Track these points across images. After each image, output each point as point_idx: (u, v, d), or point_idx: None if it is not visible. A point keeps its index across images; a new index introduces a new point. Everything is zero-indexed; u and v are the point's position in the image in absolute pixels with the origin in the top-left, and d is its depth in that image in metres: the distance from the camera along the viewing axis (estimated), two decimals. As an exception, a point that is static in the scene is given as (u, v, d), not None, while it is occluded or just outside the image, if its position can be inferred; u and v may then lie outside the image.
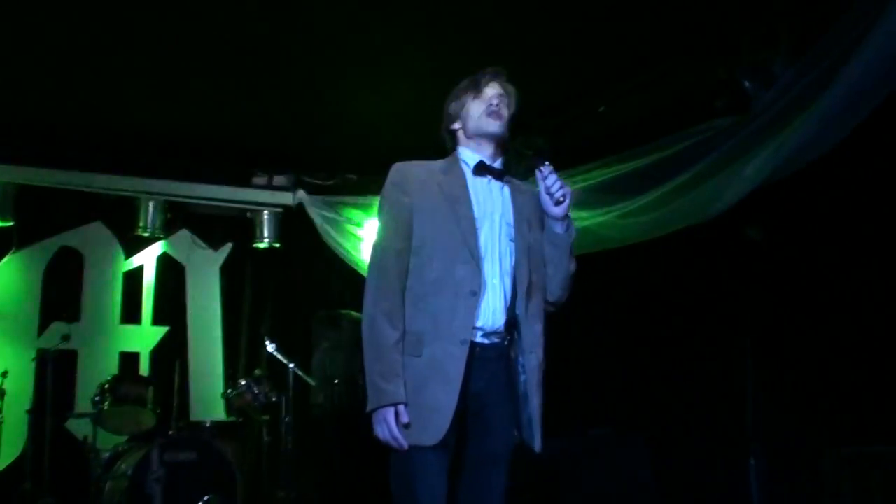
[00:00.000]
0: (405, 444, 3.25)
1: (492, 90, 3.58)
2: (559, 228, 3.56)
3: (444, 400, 3.26)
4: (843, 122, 4.72)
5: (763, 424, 5.79)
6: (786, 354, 5.91)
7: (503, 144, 3.64)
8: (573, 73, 6.45)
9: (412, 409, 3.28)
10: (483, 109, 3.55)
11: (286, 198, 9.23)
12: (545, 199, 3.51)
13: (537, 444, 3.43)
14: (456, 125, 3.66)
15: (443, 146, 3.75)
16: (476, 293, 3.36)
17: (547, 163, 3.51)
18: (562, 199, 3.49)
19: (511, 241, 3.52)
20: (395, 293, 3.39)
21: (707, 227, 5.77)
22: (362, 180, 8.65)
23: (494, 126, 3.54)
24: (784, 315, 5.94)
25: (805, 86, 4.95)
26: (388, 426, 3.26)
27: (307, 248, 8.99)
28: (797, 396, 5.89)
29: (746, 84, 5.38)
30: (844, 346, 5.56)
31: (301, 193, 9.03)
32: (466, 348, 3.32)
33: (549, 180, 3.47)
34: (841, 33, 4.69)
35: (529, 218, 3.61)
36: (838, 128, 4.75)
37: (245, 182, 9.18)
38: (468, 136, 3.63)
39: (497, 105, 3.55)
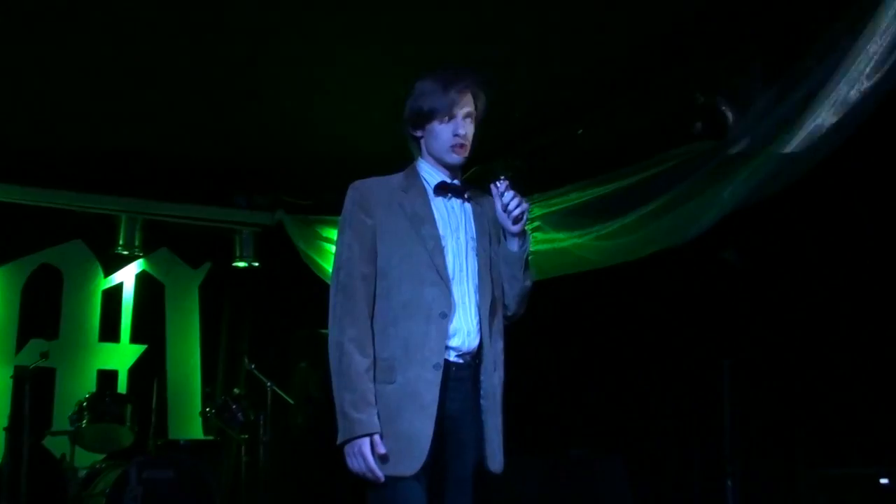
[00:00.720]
0: (382, 477, 3.11)
1: (461, 111, 3.36)
2: (514, 246, 3.43)
3: (420, 427, 3.15)
4: (817, 147, 4.77)
5: (740, 446, 5.81)
6: (762, 376, 5.94)
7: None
8: (552, 97, 6.48)
9: (387, 438, 3.15)
10: (447, 140, 3.38)
11: (265, 217, 9.26)
12: (501, 214, 3.36)
13: (495, 465, 3.34)
14: (419, 133, 3.46)
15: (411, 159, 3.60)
16: (446, 315, 3.25)
17: (503, 178, 3.39)
18: (519, 216, 3.34)
19: (476, 256, 3.41)
20: (364, 319, 3.27)
21: (684, 250, 5.79)
22: (341, 200, 8.65)
23: (456, 159, 3.40)
24: (760, 337, 5.97)
25: (781, 111, 5.00)
26: (363, 458, 3.11)
27: (286, 267, 9.00)
28: (774, 418, 5.92)
29: (723, 109, 5.42)
30: (820, 368, 5.60)
31: (280, 213, 9.06)
32: (440, 372, 3.20)
33: (505, 197, 3.33)
34: (816, 59, 4.74)
35: (490, 231, 3.49)
36: (814, 153, 4.79)
37: (224, 201, 9.19)
38: (430, 154, 3.47)
39: (463, 136, 3.37)
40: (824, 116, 4.69)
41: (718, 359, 5.90)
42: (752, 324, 6.03)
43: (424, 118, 3.41)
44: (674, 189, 5.72)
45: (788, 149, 4.94)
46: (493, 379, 3.37)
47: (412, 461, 3.13)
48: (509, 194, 3.33)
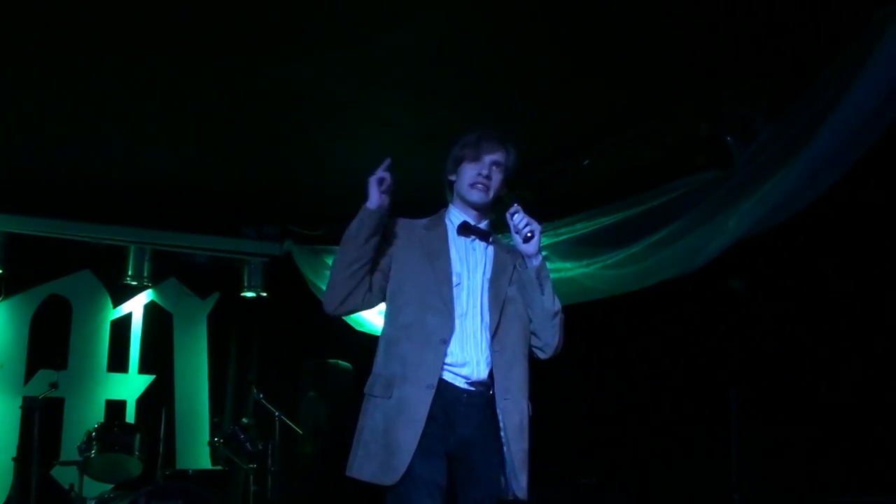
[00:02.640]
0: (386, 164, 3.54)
1: (489, 157, 3.66)
2: (527, 265, 3.61)
3: (404, 439, 3.36)
4: (822, 177, 4.80)
5: (746, 474, 5.82)
6: (769, 404, 5.96)
7: (492, 208, 3.76)
8: (559, 128, 6.51)
9: (379, 448, 3.41)
10: (470, 178, 3.66)
11: (273, 247, 9.27)
12: (516, 238, 3.57)
13: (519, 491, 3.47)
14: (452, 177, 3.77)
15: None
16: (446, 341, 3.48)
17: (515, 204, 3.59)
18: (530, 234, 3.53)
19: (490, 296, 3.61)
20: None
21: (691, 280, 5.82)
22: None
23: (475, 196, 3.66)
24: (767, 365, 6.00)
25: (785, 142, 5.04)
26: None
27: (294, 297, 9.00)
28: (781, 446, 5.93)
29: (728, 139, 5.46)
30: (827, 396, 5.62)
31: (289, 243, 9.08)
32: (432, 392, 3.41)
33: (515, 218, 3.55)
34: (819, 91, 4.78)
35: (510, 273, 3.68)
36: (817, 183, 4.82)
37: (233, 231, 9.22)
38: (458, 195, 3.75)
39: (486, 176, 3.64)
40: (828, 147, 4.73)
41: (725, 387, 5.92)
42: (759, 352, 6.06)
43: (457, 162, 3.74)
44: (680, 219, 5.75)
45: (792, 179, 4.97)
46: (508, 408, 3.52)
47: (392, 472, 3.35)
48: (519, 215, 3.55)
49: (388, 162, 3.56)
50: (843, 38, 4.63)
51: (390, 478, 3.34)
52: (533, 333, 3.70)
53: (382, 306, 3.71)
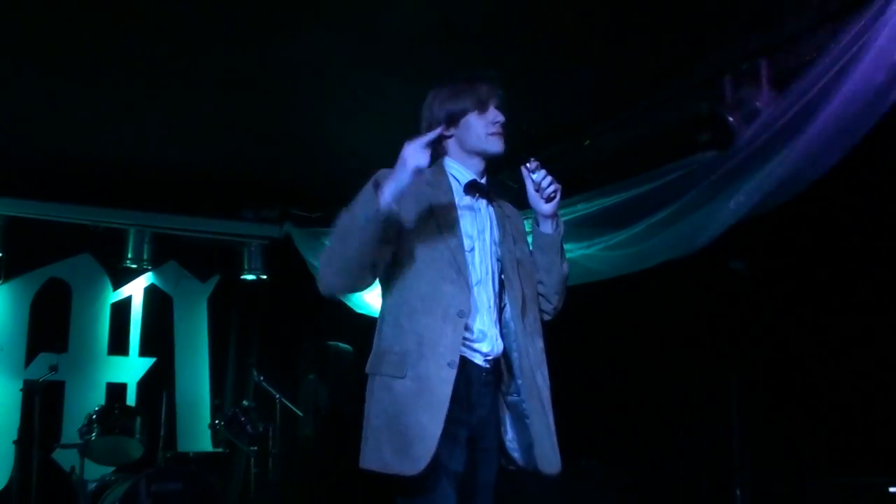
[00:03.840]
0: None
1: (493, 101, 3.39)
2: (548, 228, 3.43)
3: (427, 425, 3.02)
4: (824, 157, 4.78)
5: (749, 455, 5.81)
6: (771, 385, 5.95)
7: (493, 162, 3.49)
8: (558, 108, 6.50)
9: (392, 435, 3.06)
10: (485, 128, 3.36)
11: (273, 230, 9.29)
12: (534, 196, 3.37)
13: (549, 467, 3.28)
14: (449, 132, 3.39)
15: None
16: (464, 314, 3.16)
17: (533, 159, 3.35)
18: (553, 195, 3.34)
19: (498, 260, 3.36)
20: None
21: (692, 261, 5.80)
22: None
23: (497, 146, 3.37)
24: (769, 346, 5.98)
25: (786, 121, 5.01)
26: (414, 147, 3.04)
27: (294, 279, 9.00)
28: (783, 427, 5.92)
29: (730, 119, 5.43)
30: (829, 377, 5.60)
31: (288, 225, 9.08)
32: (454, 371, 3.09)
33: (537, 175, 3.32)
34: (821, 70, 4.75)
35: (514, 234, 3.46)
36: (819, 163, 4.80)
37: (233, 214, 9.22)
38: (463, 149, 3.41)
39: (501, 122, 3.37)
40: (830, 126, 4.71)
41: (727, 368, 5.91)
42: (761, 333, 6.04)
43: (457, 116, 3.38)
44: (680, 199, 5.73)
45: (794, 159, 4.95)
46: (535, 379, 3.30)
47: (415, 461, 3.00)
48: (541, 173, 3.33)
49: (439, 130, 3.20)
50: (846, 17, 4.59)
51: (411, 467, 2.98)
52: (541, 295, 3.50)
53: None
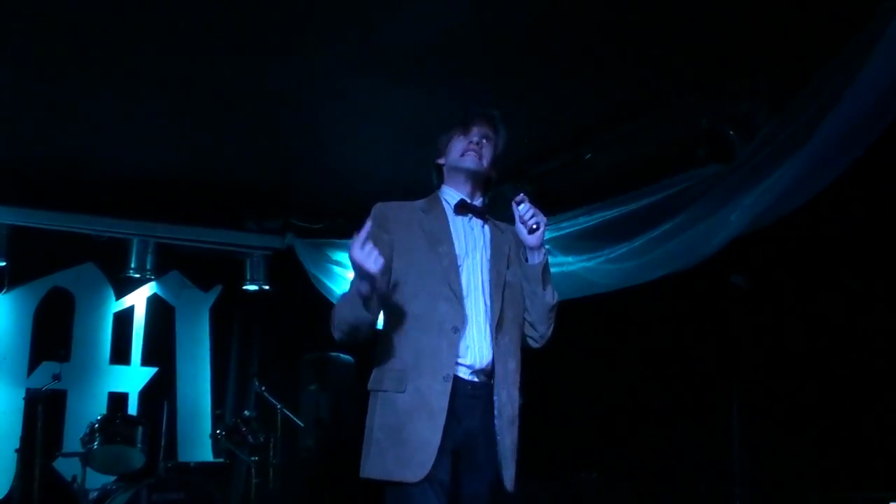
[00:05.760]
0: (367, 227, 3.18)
1: (478, 129, 3.57)
2: (532, 258, 3.52)
3: (427, 435, 3.22)
4: (824, 171, 4.80)
5: (748, 468, 5.83)
6: (771, 399, 5.96)
7: (484, 183, 3.66)
8: (560, 122, 6.52)
9: (395, 445, 3.25)
10: (461, 148, 3.56)
11: (275, 241, 9.29)
12: (520, 228, 3.47)
13: (508, 482, 3.39)
14: (441, 160, 3.67)
15: (429, 186, 3.75)
16: (458, 329, 3.33)
17: (521, 193, 3.49)
18: (535, 227, 3.43)
19: (490, 277, 3.50)
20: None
21: (693, 274, 5.82)
22: (351, 224, 8.69)
23: (469, 162, 3.54)
24: (769, 360, 6.00)
25: (787, 136, 5.03)
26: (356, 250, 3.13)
27: (296, 290, 9.03)
28: (782, 440, 5.93)
29: (730, 133, 5.46)
30: (828, 391, 5.61)
31: (290, 236, 9.09)
32: (450, 384, 3.28)
33: (521, 208, 3.44)
34: (821, 86, 4.78)
35: (509, 255, 3.57)
36: (819, 177, 4.82)
37: (235, 225, 9.23)
38: (450, 172, 3.64)
39: (477, 144, 3.55)
40: (830, 141, 4.73)
41: (727, 381, 5.92)
42: (761, 346, 6.06)
43: (445, 142, 3.65)
44: (682, 213, 5.75)
45: (793, 174, 4.98)
46: (502, 398, 3.41)
47: (417, 468, 3.19)
48: (525, 206, 3.45)
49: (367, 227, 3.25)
50: (846, 33, 4.62)
51: (412, 474, 3.18)
52: (528, 322, 3.61)
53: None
